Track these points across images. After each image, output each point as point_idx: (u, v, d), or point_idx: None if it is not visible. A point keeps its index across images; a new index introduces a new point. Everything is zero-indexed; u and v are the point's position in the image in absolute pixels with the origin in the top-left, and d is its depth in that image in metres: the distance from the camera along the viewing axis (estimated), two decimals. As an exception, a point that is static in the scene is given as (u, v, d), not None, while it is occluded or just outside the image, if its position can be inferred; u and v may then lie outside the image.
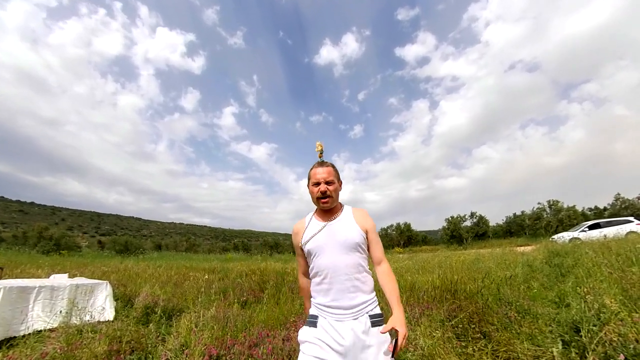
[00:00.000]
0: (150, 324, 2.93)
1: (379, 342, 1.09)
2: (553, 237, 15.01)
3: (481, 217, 30.67)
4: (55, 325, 3.02)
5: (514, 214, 30.70)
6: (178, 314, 3.50)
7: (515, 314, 2.76)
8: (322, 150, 1.40)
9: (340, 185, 1.35)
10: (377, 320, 1.14)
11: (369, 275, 1.23)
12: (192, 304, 3.75)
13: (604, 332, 2.00)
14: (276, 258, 17.41)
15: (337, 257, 1.18)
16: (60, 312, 3.17)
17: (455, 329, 2.69)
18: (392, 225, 36.62)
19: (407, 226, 36.12)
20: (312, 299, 1.25)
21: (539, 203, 28.58)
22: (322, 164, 1.33)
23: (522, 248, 10.31)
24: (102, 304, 3.58)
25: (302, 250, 1.29)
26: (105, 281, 3.83)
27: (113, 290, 3.88)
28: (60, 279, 3.90)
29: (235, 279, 6.35)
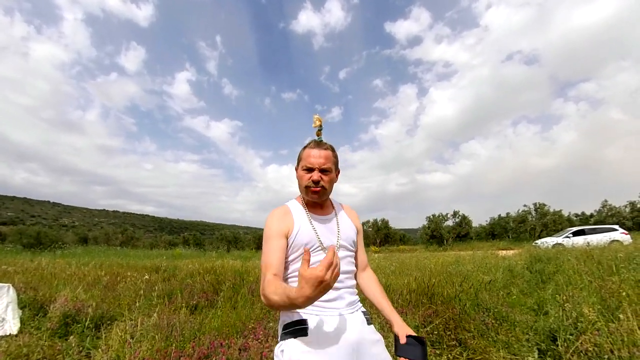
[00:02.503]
0: (71, 337, 2.78)
1: (379, 339, 1.13)
2: (536, 242, 16.48)
3: (464, 217, 32.63)
4: None
5: (499, 216, 33.04)
6: (109, 322, 3.37)
7: (493, 321, 3.00)
8: (320, 125, 1.28)
9: (338, 175, 1.26)
10: (369, 319, 1.18)
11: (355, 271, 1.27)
12: (128, 310, 3.58)
13: (580, 341, 2.25)
14: (234, 255, 17.27)
15: (340, 255, 1.17)
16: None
17: (430, 335, 2.87)
18: (368, 222, 37.66)
19: (385, 223, 37.38)
20: None
21: (524, 205, 31.05)
22: (319, 144, 1.21)
23: (504, 252, 11.19)
24: (0, 314, 3.28)
25: (286, 244, 1.13)
26: (6, 284, 3.51)
27: (18, 296, 3.60)
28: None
29: (184, 279, 6.23)
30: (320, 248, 1.14)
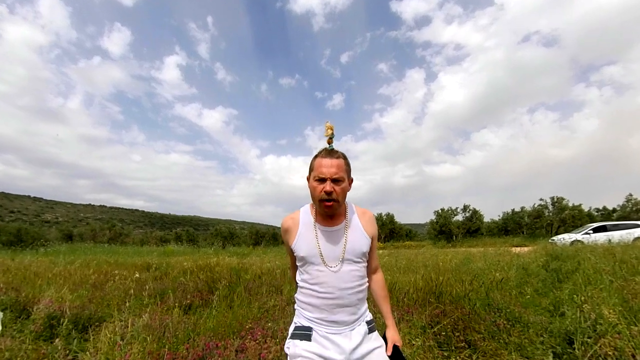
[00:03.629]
0: (56, 340, 2.78)
1: (378, 346, 1.27)
2: (553, 238, 16.51)
3: (475, 212, 32.63)
4: None
5: (512, 210, 33.01)
6: (97, 324, 3.39)
7: (505, 322, 3.01)
8: (332, 134, 1.33)
9: (350, 184, 1.33)
10: (372, 326, 1.32)
11: (367, 282, 1.36)
12: (117, 310, 3.60)
13: (599, 345, 2.26)
14: (230, 251, 17.36)
15: (344, 270, 1.25)
16: None
17: (438, 336, 2.89)
18: (373, 216, 37.74)
19: (390, 218, 37.47)
20: (301, 310, 1.31)
21: (540, 199, 30.94)
22: (331, 153, 1.27)
23: (518, 249, 11.20)
24: (-20, 317, 3.30)
25: (292, 252, 1.33)
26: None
27: (-2, 297, 3.60)
28: None
29: (177, 277, 6.27)
30: (321, 261, 1.25)
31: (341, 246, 1.26)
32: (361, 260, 1.30)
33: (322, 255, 1.25)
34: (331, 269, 1.24)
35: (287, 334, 1.34)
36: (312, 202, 1.35)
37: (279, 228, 1.43)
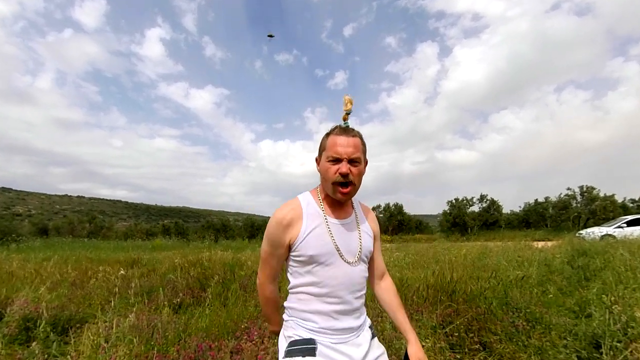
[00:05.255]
0: (33, 343, 2.80)
1: (382, 352, 1.26)
2: (581, 232, 16.48)
3: (493, 202, 32.61)
4: None
5: (535, 201, 32.90)
6: (78, 325, 3.42)
7: (524, 323, 3.03)
8: (350, 109, 1.27)
9: (366, 166, 1.25)
10: (374, 332, 1.30)
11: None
12: (101, 310, 3.63)
13: (630, 350, 2.27)
14: (224, 245, 17.42)
15: (354, 270, 1.20)
16: None
17: (450, 337, 2.91)
18: (379, 207, 37.84)
19: (399, 208, 37.50)
20: (299, 320, 1.19)
21: (567, 189, 30.71)
22: (347, 130, 1.19)
23: (541, 243, 11.20)
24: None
25: (288, 250, 1.20)
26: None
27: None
28: None
29: (165, 274, 6.31)
30: (338, 260, 1.16)
31: (357, 242, 1.21)
32: (367, 259, 1.28)
33: (340, 252, 1.16)
34: (345, 269, 1.17)
35: (278, 351, 1.23)
36: (312, 188, 1.30)
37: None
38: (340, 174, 1.13)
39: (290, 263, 1.22)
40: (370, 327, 1.29)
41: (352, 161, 1.14)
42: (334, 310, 1.15)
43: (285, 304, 1.27)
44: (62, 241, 21.14)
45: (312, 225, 1.17)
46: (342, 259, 1.16)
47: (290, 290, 1.24)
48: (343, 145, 1.14)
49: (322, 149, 1.22)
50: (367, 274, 1.28)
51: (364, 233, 1.26)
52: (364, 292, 1.24)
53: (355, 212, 1.28)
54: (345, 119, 1.26)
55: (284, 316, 1.27)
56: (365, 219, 1.31)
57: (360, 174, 1.19)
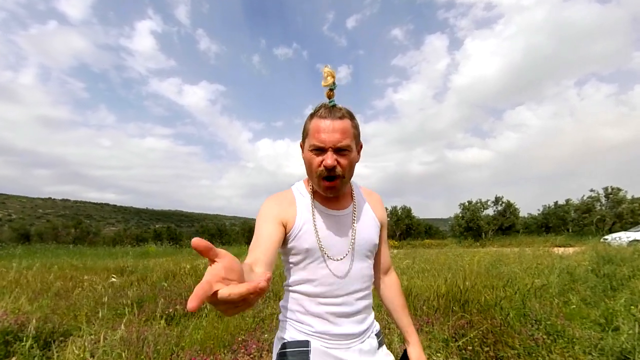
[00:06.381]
0: (13, 358, 2.82)
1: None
2: (606, 237, 16.41)
3: (509, 205, 32.65)
4: None
5: (555, 203, 33.00)
6: (62, 339, 3.41)
7: (545, 336, 3.01)
8: (334, 83, 1.10)
9: (360, 151, 1.15)
10: (382, 339, 1.22)
11: (372, 286, 1.24)
12: (87, 322, 3.66)
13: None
14: (219, 252, 17.51)
15: (353, 268, 1.12)
16: None
17: (463, 351, 2.90)
18: (386, 210, 37.97)
19: (407, 212, 37.66)
20: (293, 322, 1.13)
21: (591, 190, 30.82)
22: (332, 111, 1.05)
23: (562, 249, 11.19)
24: None
25: (282, 232, 1.08)
26: None
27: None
28: None
29: (157, 282, 6.34)
30: (322, 258, 1.09)
31: (349, 236, 1.13)
32: (371, 255, 1.19)
33: (322, 249, 1.08)
34: (337, 266, 1.10)
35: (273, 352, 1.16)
36: (307, 177, 1.19)
37: None
38: (324, 167, 1.02)
39: (285, 257, 1.16)
40: (377, 333, 1.19)
41: (339, 150, 1.03)
42: (331, 312, 1.09)
43: (281, 303, 1.21)
44: (45, 248, 21.28)
45: (304, 216, 1.11)
46: (328, 257, 1.09)
47: (285, 288, 1.18)
48: (328, 131, 1.01)
49: (304, 135, 1.10)
50: (371, 272, 1.20)
51: (365, 225, 1.17)
52: (367, 292, 1.17)
53: (354, 202, 1.19)
54: (329, 96, 1.10)
55: (279, 317, 1.21)
56: (369, 207, 1.23)
57: (351, 164, 1.07)
